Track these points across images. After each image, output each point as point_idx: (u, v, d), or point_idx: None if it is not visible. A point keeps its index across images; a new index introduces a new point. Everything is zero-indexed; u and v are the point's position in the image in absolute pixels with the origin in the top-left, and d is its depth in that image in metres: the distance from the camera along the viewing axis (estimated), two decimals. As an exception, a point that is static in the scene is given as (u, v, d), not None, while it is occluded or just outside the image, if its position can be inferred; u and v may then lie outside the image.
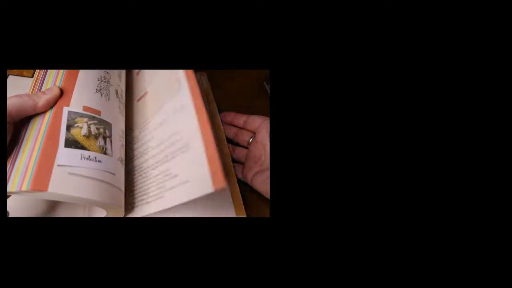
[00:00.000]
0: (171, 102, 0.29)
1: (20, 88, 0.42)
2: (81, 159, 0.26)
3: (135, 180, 0.32)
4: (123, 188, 0.29)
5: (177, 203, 0.25)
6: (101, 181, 0.26)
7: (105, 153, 0.28)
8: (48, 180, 0.23)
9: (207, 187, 0.23)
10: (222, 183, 0.22)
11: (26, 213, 0.31)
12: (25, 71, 0.45)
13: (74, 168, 0.25)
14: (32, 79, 0.44)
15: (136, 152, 0.33)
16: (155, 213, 0.28)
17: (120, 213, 0.29)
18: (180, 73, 0.28)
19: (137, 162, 0.32)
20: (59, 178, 0.24)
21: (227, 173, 0.36)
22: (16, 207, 0.30)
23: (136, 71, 0.39)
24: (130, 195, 0.32)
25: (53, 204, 0.33)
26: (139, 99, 0.36)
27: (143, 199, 0.30)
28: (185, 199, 0.25)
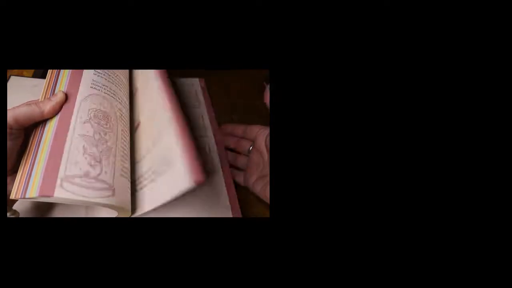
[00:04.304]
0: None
1: (20, 88, 0.42)
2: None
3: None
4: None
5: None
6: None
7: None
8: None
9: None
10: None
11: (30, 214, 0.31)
12: (25, 71, 0.45)
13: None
14: (32, 78, 0.45)
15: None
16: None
17: (126, 214, 0.29)
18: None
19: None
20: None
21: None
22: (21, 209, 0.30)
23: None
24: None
25: (56, 205, 0.33)
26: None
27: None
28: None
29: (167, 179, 0.25)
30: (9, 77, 0.43)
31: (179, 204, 0.33)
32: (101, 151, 0.27)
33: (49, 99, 0.28)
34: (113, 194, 0.26)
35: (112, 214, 0.29)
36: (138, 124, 0.33)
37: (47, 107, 0.27)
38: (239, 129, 0.40)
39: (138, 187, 0.30)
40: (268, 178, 0.34)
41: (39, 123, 0.27)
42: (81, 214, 0.32)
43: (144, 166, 0.30)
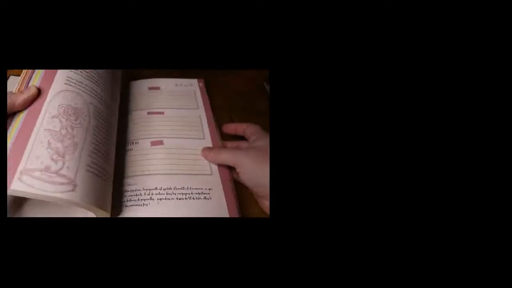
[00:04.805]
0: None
1: (20, 88, 0.42)
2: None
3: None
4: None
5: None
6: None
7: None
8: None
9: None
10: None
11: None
12: (25, 71, 0.45)
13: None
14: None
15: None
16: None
17: (102, 213, 0.28)
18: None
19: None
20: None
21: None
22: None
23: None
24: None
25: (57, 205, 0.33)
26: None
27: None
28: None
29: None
30: (9, 77, 0.43)
31: (177, 204, 0.33)
32: (66, 146, 0.27)
33: (21, 92, 0.28)
34: (73, 189, 0.26)
35: (100, 214, 0.29)
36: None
37: (19, 99, 0.27)
38: (240, 127, 0.40)
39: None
40: (261, 188, 0.34)
41: (8, 115, 0.27)
42: (80, 214, 0.32)
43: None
